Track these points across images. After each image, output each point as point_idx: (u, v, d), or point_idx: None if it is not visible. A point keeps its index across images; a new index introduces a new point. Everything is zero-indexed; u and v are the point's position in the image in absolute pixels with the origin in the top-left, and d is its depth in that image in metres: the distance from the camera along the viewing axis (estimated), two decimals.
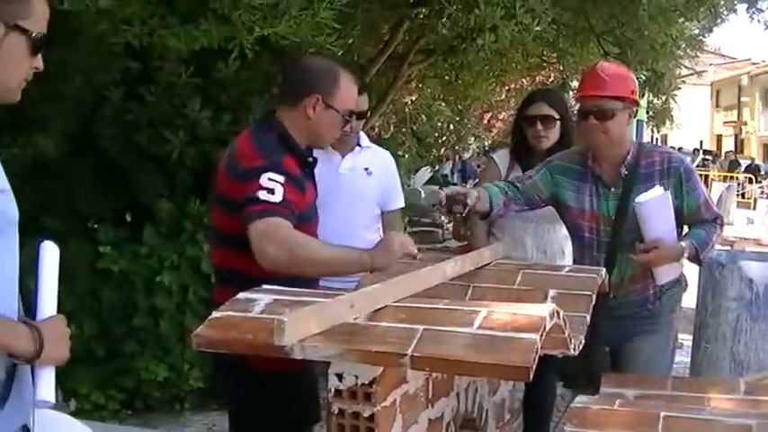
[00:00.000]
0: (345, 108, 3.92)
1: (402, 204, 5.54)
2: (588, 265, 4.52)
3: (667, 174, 4.56)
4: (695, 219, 4.60)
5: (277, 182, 3.62)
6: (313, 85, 3.86)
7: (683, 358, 7.34)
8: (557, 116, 5.22)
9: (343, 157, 5.15)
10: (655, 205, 4.47)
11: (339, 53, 5.14)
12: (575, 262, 4.89)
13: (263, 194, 3.59)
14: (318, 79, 3.88)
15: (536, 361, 2.57)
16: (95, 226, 6.82)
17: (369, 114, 5.39)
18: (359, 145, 5.23)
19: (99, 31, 5.28)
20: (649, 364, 4.66)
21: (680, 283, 4.80)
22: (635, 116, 4.72)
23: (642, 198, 4.45)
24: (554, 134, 5.24)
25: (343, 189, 5.00)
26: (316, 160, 4.02)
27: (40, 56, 2.50)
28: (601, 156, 4.63)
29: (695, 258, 4.57)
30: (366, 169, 5.23)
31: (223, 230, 3.91)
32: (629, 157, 4.58)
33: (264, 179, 3.60)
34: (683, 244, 4.51)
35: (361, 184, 5.21)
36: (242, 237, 3.62)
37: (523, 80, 13.76)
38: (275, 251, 3.53)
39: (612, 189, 4.63)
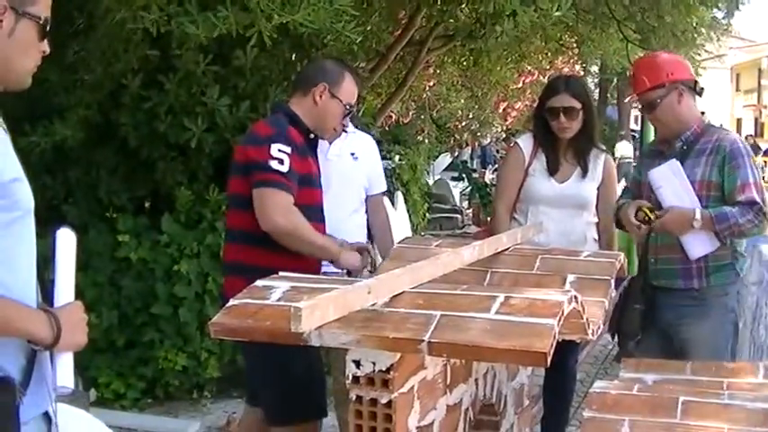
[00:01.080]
0: (347, 100, 4.53)
1: (384, 188, 5.76)
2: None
3: (716, 151, 4.66)
4: (731, 200, 4.59)
5: (285, 152, 4.19)
6: (322, 76, 4.50)
7: None
8: (579, 106, 5.19)
9: (331, 143, 5.27)
10: (664, 174, 4.68)
11: (357, 40, 5.13)
12: None
13: (274, 164, 4.16)
14: (327, 72, 4.53)
15: (553, 346, 2.56)
16: (115, 215, 6.82)
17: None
18: (344, 130, 5.36)
19: (118, 17, 5.28)
20: (703, 351, 4.64)
21: (732, 264, 4.76)
22: (695, 89, 4.84)
23: (653, 170, 4.71)
24: (577, 124, 5.21)
25: (332, 174, 5.09)
26: (317, 138, 4.58)
27: (46, 40, 2.51)
28: (663, 135, 4.94)
29: (711, 229, 4.57)
30: (352, 154, 5.38)
31: (236, 194, 4.42)
32: (688, 132, 4.76)
33: (275, 149, 4.17)
34: (696, 210, 4.56)
35: (349, 168, 5.35)
36: (250, 198, 4.24)
37: (539, 73, 13.70)
38: (284, 222, 4.17)
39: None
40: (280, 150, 4.17)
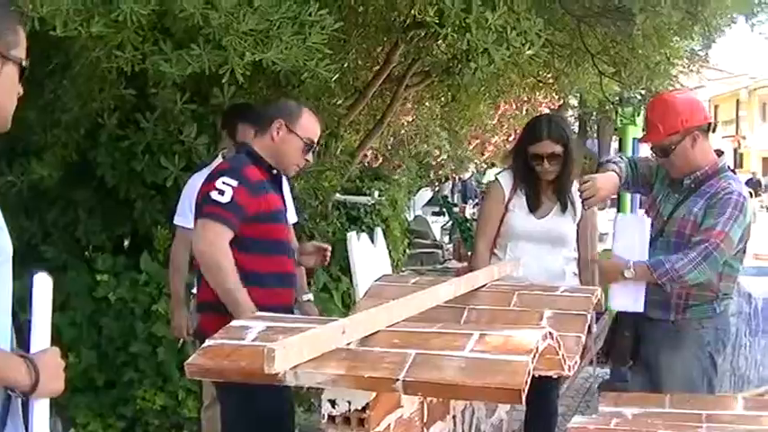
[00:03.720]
0: (306, 135, 4.52)
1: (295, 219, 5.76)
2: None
3: (712, 196, 4.67)
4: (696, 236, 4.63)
5: (229, 185, 4.21)
6: (279, 112, 4.56)
7: None
8: (561, 150, 5.19)
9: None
10: (628, 223, 4.84)
11: (332, 78, 5.13)
12: None
13: (213, 194, 4.20)
14: (283, 109, 4.60)
15: (528, 383, 2.56)
16: (93, 255, 6.80)
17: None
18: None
19: (92, 57, 5.29)
20: (676, 382, 4.66)
21: (712, 301, 4.77)
22: (709, 129, 4.86)
23: (620, 215, 4.67)
24: (559, 165, 5.22)
25: None
26: (280, 175, 4.62)
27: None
28: (674, 176, 4.88)
29: (648, 278, 4.60)
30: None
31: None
32: (699, 173, 4.76)
33: (219, 182, 4.20)
34: (630, 263, 4.59)
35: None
36: None
37: (516, 106, 13.75)
38: (207, 251, 4.20)
39: (676, 195, 4.83)
40: (224, 183, 4.20)
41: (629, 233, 4.70)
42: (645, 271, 4.57)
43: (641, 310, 4.68)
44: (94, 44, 5.12)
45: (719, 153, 4.89)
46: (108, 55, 5.10)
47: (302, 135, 4.49)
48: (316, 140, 4.62)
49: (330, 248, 4.91)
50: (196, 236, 4.24)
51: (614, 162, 4.99)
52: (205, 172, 5.15)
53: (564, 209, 5.32)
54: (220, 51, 4.66)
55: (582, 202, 4.89)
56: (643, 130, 5.21)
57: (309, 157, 4.58)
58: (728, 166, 4.90)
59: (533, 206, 5.29)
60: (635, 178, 5.02)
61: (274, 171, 4.52)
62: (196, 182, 5.17)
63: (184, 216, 5.39)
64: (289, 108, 4.59)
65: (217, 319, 3.79)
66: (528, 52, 5.46)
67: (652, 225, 4.84)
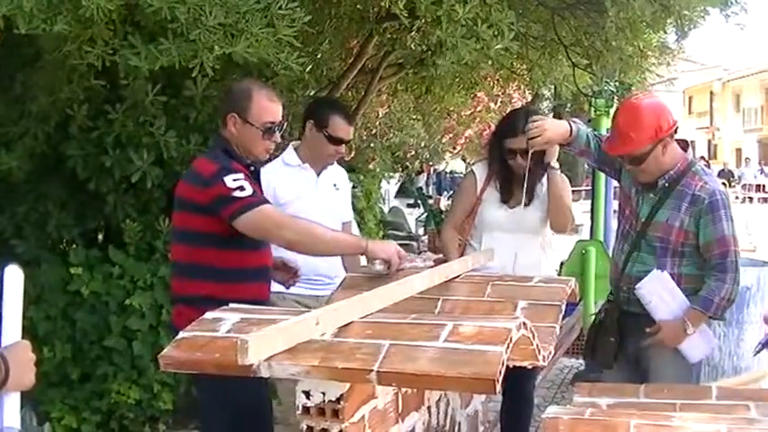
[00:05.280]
0: (263, 120, 4.39)
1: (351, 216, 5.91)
2: (618, 252, 4.99)
3: (694, 200, 4.69)
4: (706, 251, 4.69)
5: (240, 179, 4.17)
6: (230, 105, 4.45)
7: None
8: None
9: (319, 174, 5.45)
10: (653, 287, 4.71)
11: (307, 69, 5.12)
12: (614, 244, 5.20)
13: (237, 193, 4.12)
14: (233, 100, 4.46)
15: (502, 373, 2.57)
16: (66, 248, 6.76)
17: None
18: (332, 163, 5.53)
19: (63, 51, 5.25)
20: (666, 375, 4.69)
21: (697, 292, 4.77)
22: (675, 132, 4.75)
23: (639, 284, 4.71)
24: (534, 158, 5.21)
25: (319, 204, 5.28)
26: (257, 170, 4.57)
27: None
28: (644, 180, 4.83)
29: (703, 320, 4.71)
30: (335, 185, 5.56)
31: (183, 228, 4.41)
32: (672, 172, 4.74)
33: (229, 181, 4.13)
34: (685, 319, 4.65)
35: (333, 198, 5.52)
36: (199, 232, 4.27)
37: (489, 99, 13.76)
38: (286, 234, 4.19)
39: (651, 194, 4.80)
40: (234, 180, 4.15)
41: (658, 295, 4.71)
42: (700, 317, 4.67)
43: (714, 346, 4.97)
44: (65, 39, 5.08)
45: (685, 145, 4.88)
46: (78, 49, 5.07)
47: (257, 122, 4.38)
48: (275, 120, 4.45)
49: (299, 271, 4.82)
50: (258, 229, 4.19)
51: (577, 122, 4.98)
52: (277, 164, 5.36)
53: (530, 201, 5.33)
54: (189, 45, 4.63)
55: (527, 140, 4.87)
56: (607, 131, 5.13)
57: (276, 137, 4.49)
58: (696, 160, 4.90)
59: (506, 196, 5.30)
60: (600, 155, 4.96)
61: (251, 168, 4.47)
62: (265, 176, 5.09)
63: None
64: (237, 98, 4.45)
65: (190, 311, 3.82)
66: (497, 46, 5.43)
67: (629, 222, 4.91)
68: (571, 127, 4.87)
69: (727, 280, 4.62)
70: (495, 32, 5.44)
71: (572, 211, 5.48)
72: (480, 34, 5.34)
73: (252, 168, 4.48)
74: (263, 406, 4.46)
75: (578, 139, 4.89)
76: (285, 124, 4.73)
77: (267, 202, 4.26)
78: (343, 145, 5.41)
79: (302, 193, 5.30)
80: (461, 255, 5.26)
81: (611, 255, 5.40)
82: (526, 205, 5.31)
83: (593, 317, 5.19)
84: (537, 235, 5.41)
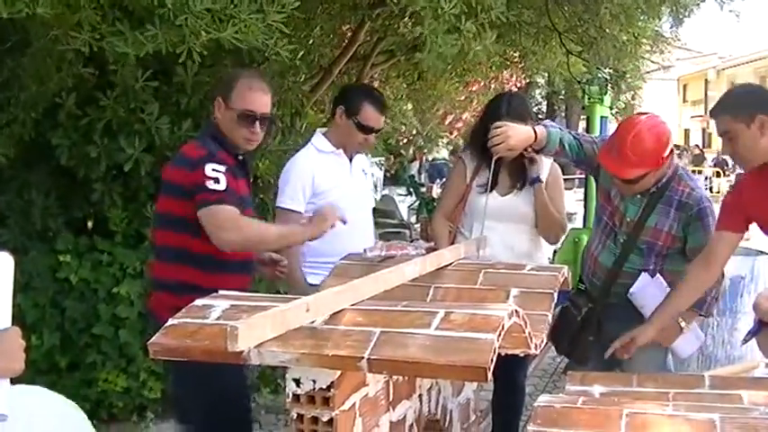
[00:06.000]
0: (240, 107, 4.40)
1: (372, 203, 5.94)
2: (597, 246, 5.00)
3: (681, 207, 4.73)
4: (694, 255, 4.71)
5: (219, 171, 4.18)
6: (217, 89, 4.56)
7: None
8: None
9: (351, 160, 5.48)
10: (647, 292, 4.79)
11: (291, 57, 5.09)
12: (591, 236, 5.22)
13: (210, 184, 4.14)
14: (221, 84, 4.58)
15: (494, 361, 2.57)
16: (55, 235, 6.74)
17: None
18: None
19: (51, 35, 5.22)
20: (639, 363, 4.72)
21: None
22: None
23: (634, 288, 4.79)
24: None
25: (355, 192, 5.42)
26: (245, 160, 4.58)
27: None
28: (635, 192, 4.81)
29: (695, 317, 4.83)
30: (363, 170, 5.63)
31: (167, 213, 4.42)
32: (663, 179, 4.75)
33: (209, 169, 4.17)
34: (680, 320, 4.74)
35: (364, 185, 5.66)
36: (183, 218, 4.26)
37: (485, 83, 13.72)
38: (229, 236, 4.16)
39: (639, 196, 4.79)
40: (214, 170, 4.16)
41: (651, 298, 4.78)
42: (693, 315, 4.78)
43: (702, 341, 5.09)
44: (53, 23, 5.06)
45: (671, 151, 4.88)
46: (65, 35, 5.04)
47: (236, 107, 4.39)
48: (254, 109, 4.44)
49: (285, 262, 4.83)
50: (210, 225, 4.16)
51: (548, 126, 4.91)
52: (311, 152, 5.35)
53: (522, 187, 5.32)
54: (176, 30, 4.60)
55: (490, 147, 4.81)
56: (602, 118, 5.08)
57: (256, 128, 4.47)
58: (682, 168, 4.92)
59: (494, 183, 5.25)
60: (579, 156, 4.91)
61: (240, 157, 4.49)
62: (304, 163, 5.27)
63: (296, 200, 5.27)
64: (224, 82, 4.54)
65: (169, 298, 3.88)
66: (477, 48, 5.39)
67: (612, 219, 4.91)
68: (536, 133, 4.80)
69: (718, 280, 4.73)
70: (479, 30, 5.40)
71: (562, 221, 5.46)
72: (463, 31, 5.30)
73: (240, 158, 4.50)
74: (241, 394, 4.47)
75: (549, 143, 4.82)
76: (271, 119, 4.66)
77: (235, 202, 4.23)
78: (373, 134, 5.40)
79: (340, 181, 5.32)
80: (452, 243, 5.26)
81: (588, 244, 5.36)
82: (521, 191, 5.29)
83: (561, 308, 5.13)
84: (527, 224, 5.37)
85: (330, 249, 4.76)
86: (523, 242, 5.33)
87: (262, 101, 4.48)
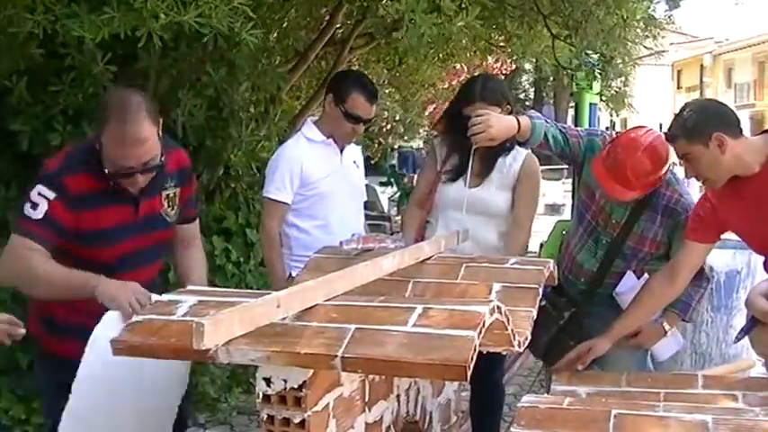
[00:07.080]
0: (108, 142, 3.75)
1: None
2: (577, 245, 5.00)
3: (668, 213, 4.75)
4: None
5: (45, 197, 3.72)
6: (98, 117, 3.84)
7: None
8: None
9: (342, 151, 5.49)
10: (633, 291, 4.81)
11: (263, 41, 5.05)
12: (570, 233, 5.19)
13: (26, 208, 3.72)
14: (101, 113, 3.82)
15: (474, 360, 2.57)
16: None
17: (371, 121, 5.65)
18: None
19: (2, 17, 5.14)
20: (619, 361, 4.78)
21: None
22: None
23: (620, 288, 4.87)
24: None
25: (346, 182, 5.47)
26: (118, 188, 3.87)
27: None
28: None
29: (678, 322, 4.97)
30: (354, 162, 5.65)
31: None
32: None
33: (35, 193, 3.74)
34: (663, 321, 4.85)
35: (355, 176, 5.66)
36: None
37: (468, 70, 13.72)
38: (4, 275, 3.88)
39: None
40: (40, 194, 3.73)
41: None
42: (676, 318, 4.89)
43: (681, 345, 5.26)
44: (5, 3, 5.00)
45: None
46: (17, 15, 4.95)
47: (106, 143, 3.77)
48: (134, 164, 3.79)
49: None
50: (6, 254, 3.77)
51: (533, 117, 4.83)
52: (301, 141, 5.36)
53: (489, 176, 5.23)
54: (135, 14, 4.52)
55: (470, 136, 4.68)
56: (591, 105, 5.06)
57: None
58: (672, 171, 4.93)
59: (461, 172, 5.14)
60: (564, 150, 4.88)
61: (111, 184, 3.85)
62: (293, 152, 5.26)
63: (283, 190, 5.25)
64: (100, 109, 3.93)
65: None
66: (460, 23, 5.36)
67: (597, 224, 4.91)
68: (519, 123, 4.73)
69: (703, 285, 4.87)
70: (458, 9, 5.37)
71: (525, 240, 5.37)
72: (443, 9, 5.27)
73: (112, 184, 3.86)
74: None
75: (533, 135, 4.75)
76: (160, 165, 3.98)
77: (50, 232, 3.73)
78: (362, 124, 5.37)
79: (331, 170, 5.34)
80: (422, 234, 5.28)
81: (566, 240, 5.34)
82: (492, 182, 5.26)
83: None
84: (495, 218, 5.26)
85: (318, 243, 4.75)
86: (489, 237, 5.22)
87: (136, 153, 3.77)
